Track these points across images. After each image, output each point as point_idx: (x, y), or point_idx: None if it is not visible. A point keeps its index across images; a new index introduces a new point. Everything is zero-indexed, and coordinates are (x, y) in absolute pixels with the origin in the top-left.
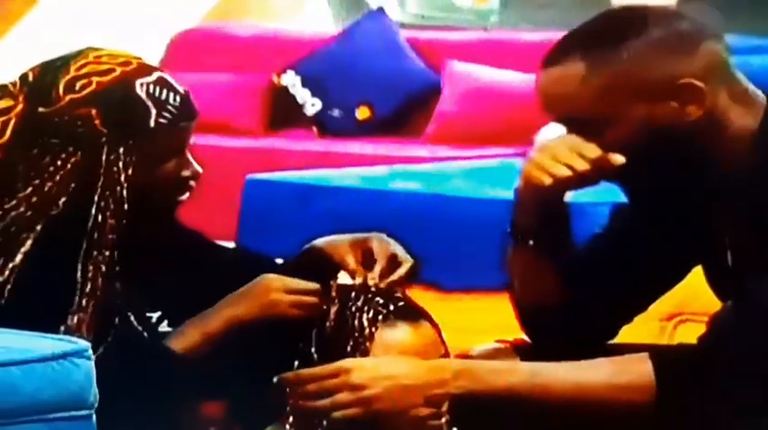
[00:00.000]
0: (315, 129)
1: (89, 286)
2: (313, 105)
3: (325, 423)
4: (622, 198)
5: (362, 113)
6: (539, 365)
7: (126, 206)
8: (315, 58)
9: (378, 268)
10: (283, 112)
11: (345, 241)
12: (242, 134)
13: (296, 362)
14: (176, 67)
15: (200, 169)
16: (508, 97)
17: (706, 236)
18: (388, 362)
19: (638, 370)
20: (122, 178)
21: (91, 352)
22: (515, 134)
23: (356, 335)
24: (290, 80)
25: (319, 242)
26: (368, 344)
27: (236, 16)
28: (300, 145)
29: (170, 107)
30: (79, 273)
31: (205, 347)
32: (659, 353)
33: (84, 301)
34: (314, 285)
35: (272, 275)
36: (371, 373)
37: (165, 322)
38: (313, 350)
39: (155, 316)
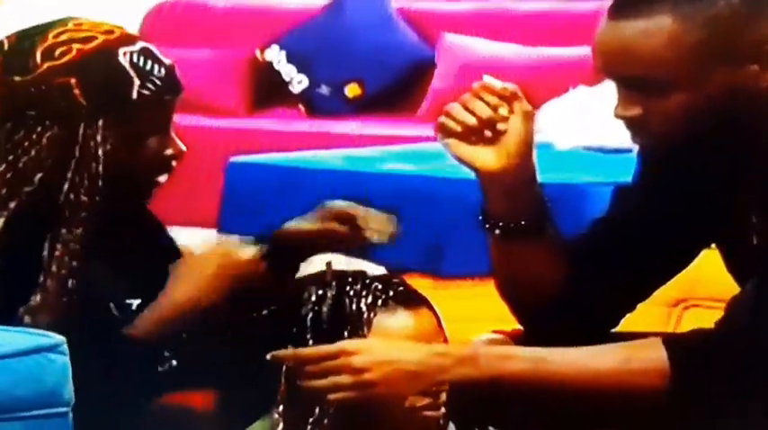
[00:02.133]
0: (301, 107)
1: (55, 265)
2: (299, 82)
3: (317, 410)
4: (624, 178)
5: (352, 91)
6: (544, 351)
7: (101, 183)
8: (301, 31)
9: (369, 222)
10: (268, 90)
11: (311, 217)
12: (224, 114)
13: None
14: (152, 42)
15: (183, 148)
16: (507, 72)
17: (730, 214)
18: (391, 345)
19: (651, 355)
20: (99, 152)
21: (66, 346)
22: None
23: (354, 320)
24: (275, 55)
25: (284, 227)
26: (365, 329)
27: None
28: (286, 125)
29: (154, 78)
30: (46, 251)
31: (163, 334)
32: (673, 339)
33: (48, 281)
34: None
35: (209, 248)
36: (373, 357)
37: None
38: (309, 336)
39: (135, 303)
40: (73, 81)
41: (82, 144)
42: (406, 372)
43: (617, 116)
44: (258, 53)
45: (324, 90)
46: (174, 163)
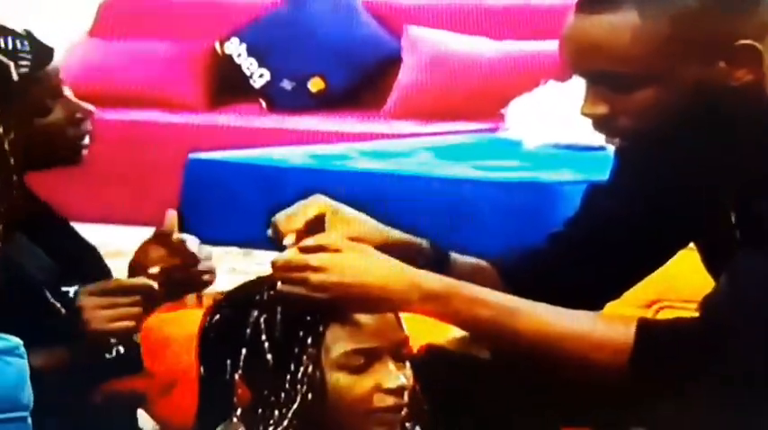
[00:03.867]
0: (263, 102)
1: None
2: (261, 76)
3: (276, 413)
4: (595, 176)
5: (315, 85)
6: (517, 302)
7: (15, 178)
8: (262, 23)
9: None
10: (228, 85)
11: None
12: (182, 109)
13: (243, 351)
14: (107, 34)
15: (91, 108)
16: (475, 67)
17: (708, 213)
18: (362, 266)
19: (619, 330)
20: (6, 146)
21: (23, 349)
22: (483, 108)
23: (308, 319)
24: (235, 48)
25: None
26: (321, 327)
27: None
28: (247, 120)
29: (23, 55)
30: None
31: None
32: (647, 321)
33: None
34: (130, 282)
35: (82, 300)
36: (335, 277)
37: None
38: (263, 337)
39: (71, 290)
40: None
41: None
42: (366, 297)
43: (583, 114)
44: (218, 46)
45: (286, 84)
46: (87, 124)
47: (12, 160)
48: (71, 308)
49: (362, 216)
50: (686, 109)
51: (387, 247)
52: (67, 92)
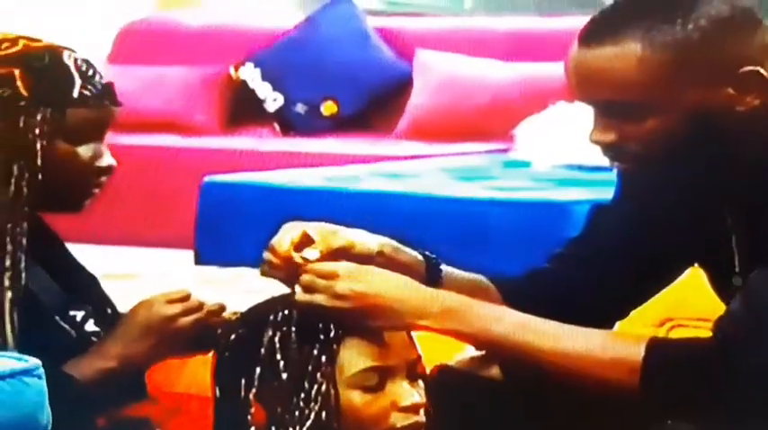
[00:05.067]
0: (277, 126)
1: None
2: (274, 100)
3: None
4: (604, 196)
5: (328, 109)
6: (530, 320)
7: (40, 177)
8: (275, 49)
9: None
10: (242, 109)
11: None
12: (198, 133)
13: (257, 369)
14: (125, 60)
15: (114, 162)
16: (485, 88)
17: (712, 236)
18: (383, 278)
19: (630, 349)
20: (38, 146)
21: (42, 370)
22: (493, 129)
23: (323, 337)
24: (249, 73)
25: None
26: (335, 346)
27: (189, 4)
28: (261, 144)
29: (95, 83)
30: None
31: (104, 382)
32: (658, 341)
33: (5, 280)
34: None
35: (147, 299)
36: (358, 286)
37: (92, 321)
38: (278, 356)
39: (79, 315)
40: (17, 72)
41: (21, 136)
42: (384, 308)
43: (593, 141)
44: (232, 71)
45: (299, 108)
46: (104, 179)
47: (39, 161)
48: (80, 332)
49: (343, 228)
50: (694, 135)
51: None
52: (105, 146)
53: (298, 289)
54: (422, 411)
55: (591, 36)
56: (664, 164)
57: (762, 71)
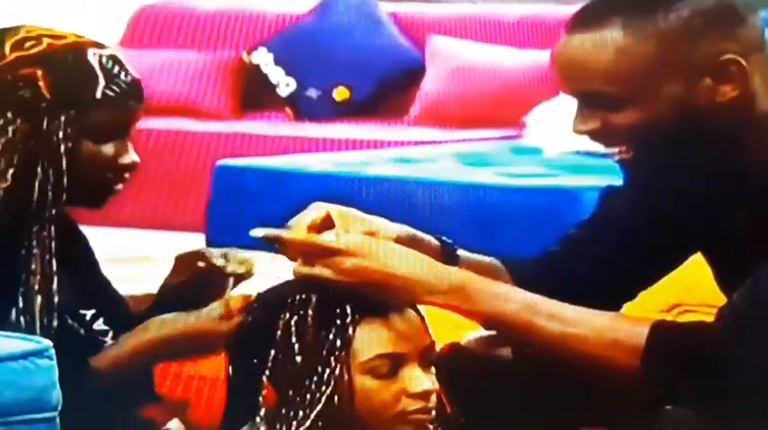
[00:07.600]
0: (289, 111)
1: (35, 264)
2: (287, 85)
3: (300, 413)
4: (615, 182)
5: (340, 94)
6: (537, 300)
7: (66, 180)
8: (288, 34)
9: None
10: (255, 93)
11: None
12: (210, 117)
13: (272, 352)
14: (137, 44)
15: (138, 160)
16: (496, 75)
17: (713, 225)
18: (389, 253)
19: (635, 331)
20: (62, 149)
21: (53, 351)
22: (505, 115)
23: (339, 322)
24: (262, 58)
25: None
26: (351, 330)
27: None
28: (274, 128)
29: (119, 82)
30: (24, 250)
31: (116, 372)
32: (663, 324)
33: (31, 280)
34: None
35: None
36: (365, 262)
37: (101, 320)
38: (293, 340)
39: (89, 313)
40: (39, 73)
41: (45, 138)
42: (390, 285)
43: (575, 131)
44: (245, 56)
45: (311, 93)
46: (127, 175)
47: (64, 164)
48: (90, 331)
49: (366, 215)
50: (673, 126)
51: (398, 242)
52: (130, 143)
53: (298, 262)
54: (433, 397)
55: (575, 24)
56: (647, 152)
57: (741, 60)
